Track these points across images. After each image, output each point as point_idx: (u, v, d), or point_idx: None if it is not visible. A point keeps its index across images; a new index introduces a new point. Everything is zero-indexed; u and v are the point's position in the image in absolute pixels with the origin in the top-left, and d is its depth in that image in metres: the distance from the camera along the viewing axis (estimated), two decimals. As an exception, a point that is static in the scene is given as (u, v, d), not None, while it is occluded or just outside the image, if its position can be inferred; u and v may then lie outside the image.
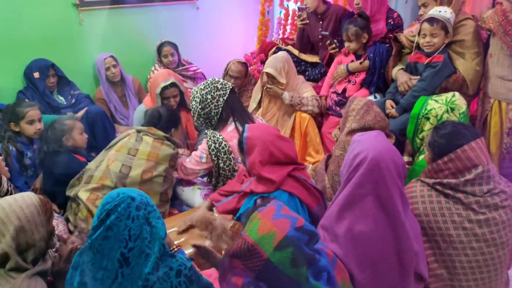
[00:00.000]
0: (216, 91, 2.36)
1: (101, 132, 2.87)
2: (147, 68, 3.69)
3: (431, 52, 2.47)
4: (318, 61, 3.39)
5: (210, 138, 2.31)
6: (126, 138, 2.37)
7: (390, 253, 1.46)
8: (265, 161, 1.85)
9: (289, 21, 4.08)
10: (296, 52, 3.44)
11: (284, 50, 3.36)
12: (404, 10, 3.34)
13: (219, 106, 2.36)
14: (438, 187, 1.62)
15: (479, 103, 2.62)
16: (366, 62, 2.85)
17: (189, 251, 1.72)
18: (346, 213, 1.51)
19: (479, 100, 2.63)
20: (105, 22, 3.47)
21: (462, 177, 1.58)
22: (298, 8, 3.32)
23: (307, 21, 3.27)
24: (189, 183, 2.54)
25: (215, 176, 2.37)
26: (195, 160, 2.39)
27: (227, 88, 2.39)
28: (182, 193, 2.53)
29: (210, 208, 2.07)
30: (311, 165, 2.91)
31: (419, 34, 2.50)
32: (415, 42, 2.56)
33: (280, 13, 4.19)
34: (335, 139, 2.38)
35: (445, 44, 2.45)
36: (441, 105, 2.05)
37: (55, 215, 2.25)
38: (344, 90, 2.94)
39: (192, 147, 3.00)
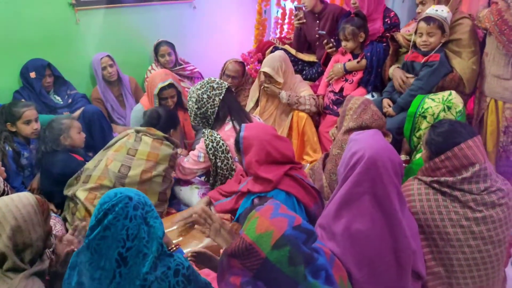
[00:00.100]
0: (212, 91, 2.36)
1: (98, 132, 2.86)
2: (144, 67, 3.68)
3: (428, 51, 2.48)
4: (315, 60, 3.40)
5: (207, 137, 2.31)
6: (124, 138, 2.36)
7: (387, 251, 1.47)
8: (262, 160, 1.85)
9: (286, 20, 4.08)
10: (293, 51, 3.45)
11: (281, 49, 3.37)
12: (401, 9, 3.35)
13: (215, 105, 2.36)
14: (435, 185, 1.63)
15: (476, 102, 2.63)
16: (363, 61, 2.85)
17: (187, 250, 1.72)
18: (343, 212, 1.51)
19: (475, 99, 2.64)
20: (102, 21, 3.46)
21: (459, 175, 1.58)
22: (295, 7, 3.32)
23: (304, 21, 3.27)
24: (187, 182, 2.54)
25: (213, 175, 2.37)
26: (193, 159, 2.39)
27: (223, 88, 2.39)
28: (180, 192, 2.52)
29: (209, 205, 2.07)
30: (308, 164, 2.91)
31: (415, 33, 2.51)
32: (412, 41, 2.57)
33: (277, 12, 4.19)
34: (333, 138, 2.38)
35: (441, 43, 2.46)
36: (438, 104, 2.06)
37: (53, 215, 2.24)
38: (341, 89, 2.94)
39: (189, 147, 3.00)
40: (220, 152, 2.29)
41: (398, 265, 1.47)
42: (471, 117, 2.67)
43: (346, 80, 2.94)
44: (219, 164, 2.31)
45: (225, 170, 2.32)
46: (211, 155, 2.30)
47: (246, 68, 3.52)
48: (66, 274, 1.25)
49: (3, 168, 2.18)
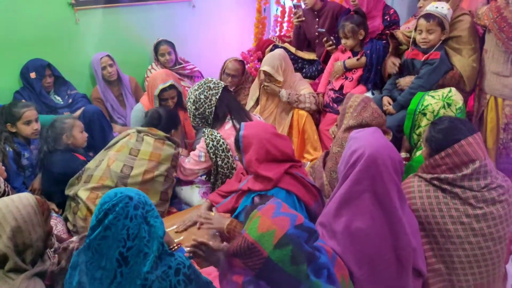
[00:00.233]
0: (209, 91, 2.37)
1: (98, 132, 2.86)
2: (144, 67, 3.68)
3: (428, 49, 2.47)
4: (315, 58, 3.39)
5: (208, 136, 2.31)
6: (126, 138, 2.37)
7: (387, 249, 1.47)
8: (261, 159, 1.85)
9: (286, 19, 4.08)
10: (293, 49, 3.44)
11: (281, 47, 3.36)
12: (400, 7, 3.34)
13: (212, 105, 2.36)
14: (435, 182, 1.62)
15: (475, 99, 2.63)
16: (363, 59, 2.85)
17: (188, 249, 1.72)
18: (343, 210, 1.52)
19: (475, 96, 2.64)
20: (101, 21, 3.46)
21: (460, 172, 1.58)
22: (294, 5, 3.32)
23: (303, 18, 3.26)
24: (188, 181, 2.55)
25: (214, 174, 2.37)
26: (193, 160, 2.39)
27: (220, 87, 2.40)
28: (181, 191, 2.53)
29: (210, 208, 2.07)
30: (309, 162, 2.91)
31: (415, 29, 2.50)
32: (412, 37, 2.56)
33: (276, 11, 4.19)
34: (333, 136, 2.38)
35: (441, 41, 2.45)
36: (438, 101, 2.05)
37: (54, 215, 2.25)
38: (341, 87, 2.94)
39: (190, 146, 3.00)
40: (220, 151, 2.29)
41: (398, 263, 1.47)
42: (471, 115, 2.66)
43: (346, 78, 2.93)
44: (219, 163, 2.31)
45: (225, 169, 2.32)
46: (211, 154, 2.30)
47: (246, 66, 3.51)
48: (67, 274, 1.25)
49: (3, 168, 2.18)
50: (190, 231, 1.98)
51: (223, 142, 2.30)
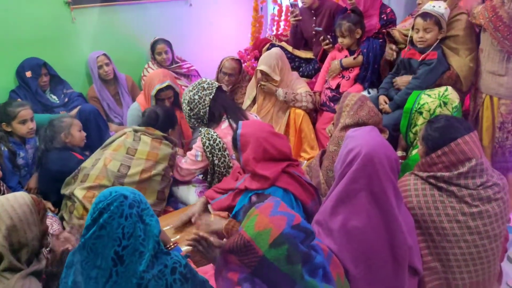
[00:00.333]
0: (203, 91, 2.37)
1: (94, 131, 2.85)
2: (140, 66, 3.67)
3: (424, 48, 2.47)
4: (312, 57, 3.40)
5: (204, 136, 2.31)
6: (122, 137, 2.36)
7: (383, 247, 1.47)
8: (259, 157, 1.85)
9: (283, 17, 4.07)
10: (290, 48, 3.44)
11: (278, 46, 3.36)
12: (397, 5, 3.34)
13: (206, 105, 2.36)
14: (431, 180, 1.63)
15: (471, 98, 2.63)
16: (360, 58, 2.85)
17: (185, 248, 1.72)
18: (340, 209, 1.52)
19: (471, 95, 2.64)
20: (98, 20, 3.45)
21: (456, 170, 1.59)
22: (291, 4, 3.31)
23: (300, 17, 3.27)
24: (185, 180, 2.54)
25: (210, 173, 2.37)
26: (190, 159, 2.39)
27: (213, 87, 2.40)
28: (177, 190, 2.52)
29: (206, 205, 2.07)
30: (306, 161, 2.91)
31: (412, 28, 2.50)
32: (409, 36, 2.56)
33: (273, 9, 4.18)
34: (330, 134, 2.38)
35: (438, 40, 2.45)
36: (434, 100, 2.06)
37: (49, 214, 2.24)
38: (338, 86, 2.94)
39: (186, 146, 2.99)
40: (217, 150, 2.29)
41: (394, 261, 1.47)
42: (468, 114, 2.67)
43: (343, 77, 2.94)
44: (216, 162, 2.31)
45: (222, 168, 2.32)
46: (208, 153, 2.30)
47: (243, 65, 3.51)
48: (62, 273, 1.25)
49: (-1, 167, 2.18)
50: (188, 231, 1.98)
51: (219, 141, 2.29)
